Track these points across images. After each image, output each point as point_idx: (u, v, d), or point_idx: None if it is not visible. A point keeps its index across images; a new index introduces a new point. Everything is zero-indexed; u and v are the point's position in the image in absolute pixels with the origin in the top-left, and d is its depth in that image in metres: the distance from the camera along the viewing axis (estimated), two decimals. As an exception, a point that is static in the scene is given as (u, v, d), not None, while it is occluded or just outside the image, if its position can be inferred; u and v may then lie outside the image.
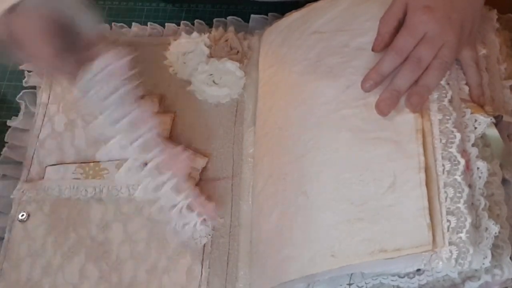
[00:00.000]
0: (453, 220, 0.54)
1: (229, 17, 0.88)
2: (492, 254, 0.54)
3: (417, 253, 0.54)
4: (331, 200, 0.62)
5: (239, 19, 0.87)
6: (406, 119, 0.61)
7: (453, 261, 0.52)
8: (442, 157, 0.58)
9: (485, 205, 0.56)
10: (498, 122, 0.62)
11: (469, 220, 0.54)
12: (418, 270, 0.56)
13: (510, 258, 0.55)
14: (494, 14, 0.73)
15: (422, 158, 0.58)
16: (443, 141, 0.59)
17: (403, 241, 0.55)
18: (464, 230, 0.53)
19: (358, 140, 0.63)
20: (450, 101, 0.61)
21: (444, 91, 0.62)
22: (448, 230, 0.54)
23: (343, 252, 0.58)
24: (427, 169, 0.58)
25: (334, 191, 0.62)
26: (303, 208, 0.64)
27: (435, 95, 0.62)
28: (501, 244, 0.55)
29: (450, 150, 0.58)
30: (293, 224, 0.65)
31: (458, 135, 0.59)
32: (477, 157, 0.58)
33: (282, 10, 0.84)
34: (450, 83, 0.63)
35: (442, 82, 0.62)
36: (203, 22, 0.88)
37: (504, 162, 0.60)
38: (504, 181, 0.60)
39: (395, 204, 0.58)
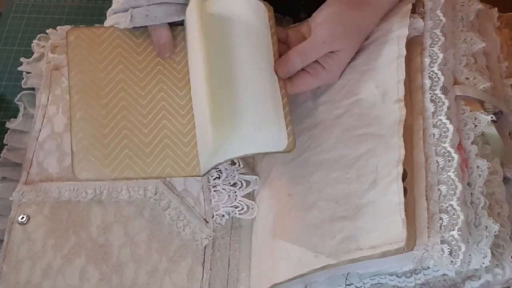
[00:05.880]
0: (445, 218, 0.53)
1: (229, 17, 0.87)
2: (493, 254, 0.53)
3: (390, 250, 0.53)
4: (319, 200, 0.62)
5: (239, 19, 0.86)
6: (391, 112, 0.60)
7: (444, 259, 0.51)
8: (436, 153, 0.57)
9: (485, 203, 0.55)
10: (498, 118, 0.61)
11: (461, 217, 0.53)
12: (416, 269, 0.55)
13: (512, 257, 0.55)
14: (495, 12, 0.73)
15: (403, 151, 0.57)
16: (437, 135, 0.58)
17: (378, 238, 0.54)
18: (456, 228, 0.52)
19: (347, 138, 0.63)
20: (442, 90, 0.60)
21: (436, 79, 0.61)
22: (440, 229, 0.53)
23: (324, 252, 0.58)
24: (414, 165, 0.57)
25: (322, 191, 0.62)
26: (294, 209, 0.64)
27: (427, 84, 0.61)
28: (502, 243, 0.55)
29: (443, 145, 0.57)
30: (284, 225, 0.65)
31: (451, 127, 0.58)
32: (476, 155, 0.57)
33: (282, 10, 0.83)
34: (443, 71, 0.62)
35: (435, 69, 0.62)
36: (203, 22, 0.87)
37: (505, 160, 0.60)
38: (505, 179, 0.59)
39: (375, 201, 0.57)
